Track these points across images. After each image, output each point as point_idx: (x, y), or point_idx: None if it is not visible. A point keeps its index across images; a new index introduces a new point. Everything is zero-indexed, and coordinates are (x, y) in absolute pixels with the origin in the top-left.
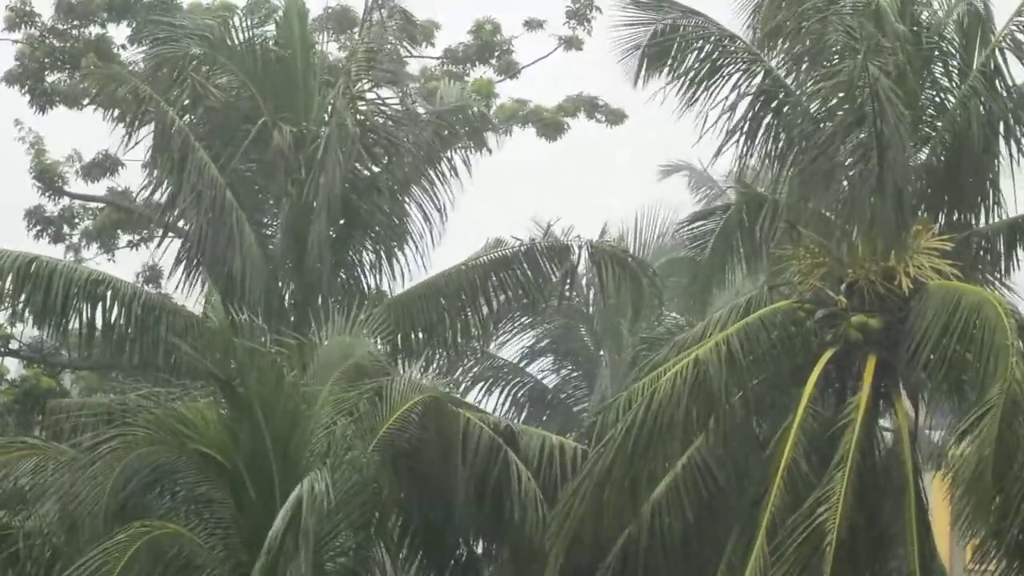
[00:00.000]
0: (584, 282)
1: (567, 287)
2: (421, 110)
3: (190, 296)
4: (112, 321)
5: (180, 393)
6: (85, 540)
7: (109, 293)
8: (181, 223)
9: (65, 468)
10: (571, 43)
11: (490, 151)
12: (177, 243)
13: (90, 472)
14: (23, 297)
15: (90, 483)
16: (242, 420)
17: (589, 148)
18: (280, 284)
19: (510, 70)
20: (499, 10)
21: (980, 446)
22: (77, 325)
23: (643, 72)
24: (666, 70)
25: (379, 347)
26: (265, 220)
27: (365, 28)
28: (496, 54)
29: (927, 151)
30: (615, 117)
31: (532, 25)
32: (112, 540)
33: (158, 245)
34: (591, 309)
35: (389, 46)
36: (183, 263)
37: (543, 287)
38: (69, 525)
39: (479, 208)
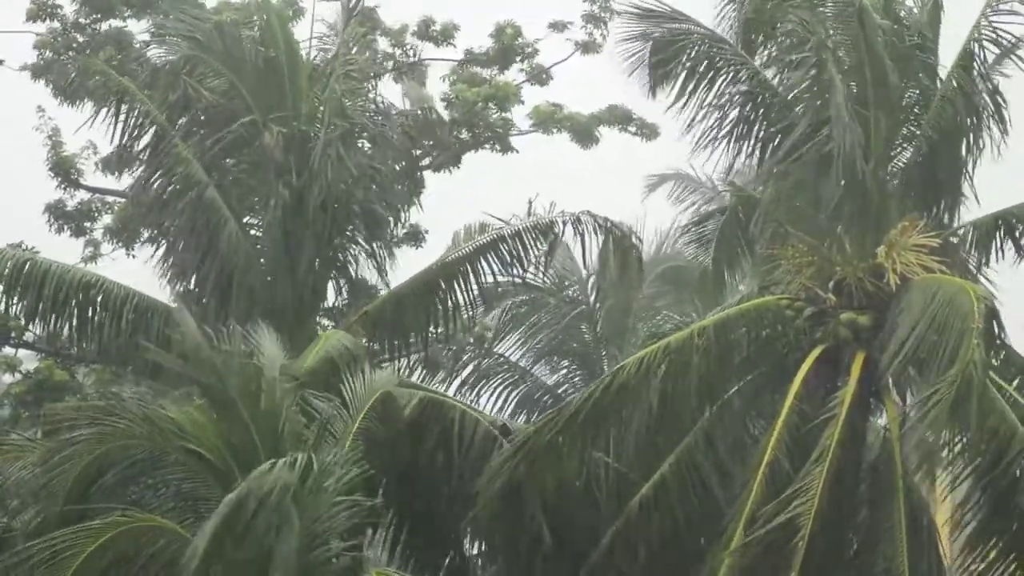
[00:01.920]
0: (589, 285)
1: (551, 260)
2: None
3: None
4: (104, 323)
5: (173, 393)
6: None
7: (100, 297)
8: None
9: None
10: (588, 47)
11: (516, 151)
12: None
13: (58, 459)
14: (15, 298)
15: (56, 471)
16: (230, 421)
17: (616, 152)
18: (273, 284)
19: (539, 75)
20: (517, 11)
21: (931, 424)
22: (69, 327)
23: (654, 84)
24: (669, 78)
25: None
26: (256, 221)
27: (350, 30)
28: (519, 58)
29: (912, 149)
30: (649, 132)
31: (558, 27)
32: (84, 524)
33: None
34: (595, 308)
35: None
36: (167, 260)
37: (532, 265)
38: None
39: (500, 206)
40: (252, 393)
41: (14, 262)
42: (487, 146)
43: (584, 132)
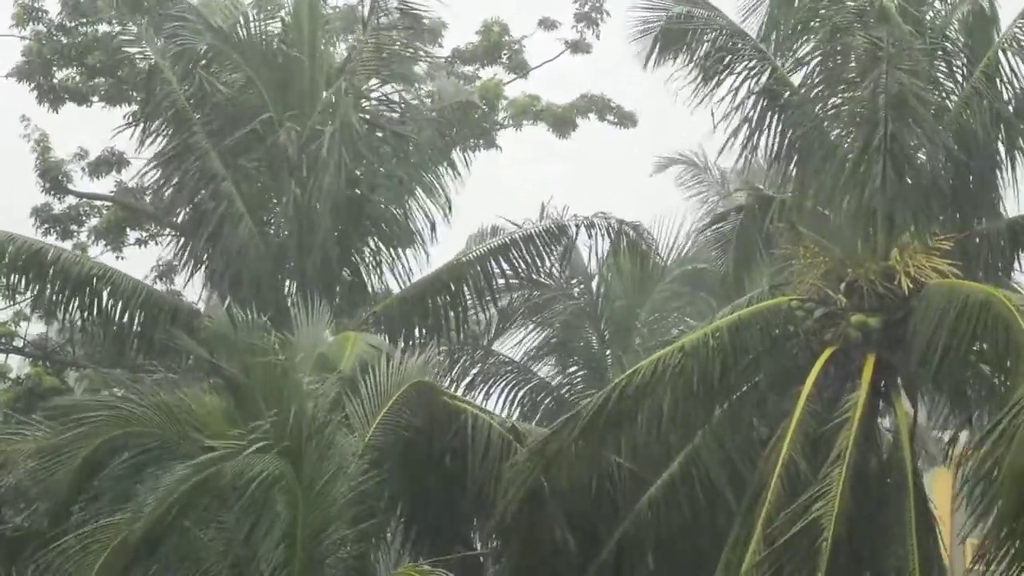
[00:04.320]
0: (594, 285)
1: (566, 264)
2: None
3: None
4: (111, 316)
5: (182, 385)
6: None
7: (108, 288)
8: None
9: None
10: (578, 47)
11: (499, 148)
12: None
13: (68, 438)
14: (23, 286)
15: (65, 453)
16: (245, 414)
17: (604, 148)
18: (283, 281)
19: (520, 69)
20: (507, 9)
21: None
22: (77, 318)
23: (655, 55)
24: (679, 58)
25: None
26: (269, 218)
27: (370, 27)
28: (505, 55)
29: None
30: (626, 120)
31: (547, 25)
32: (105, 521)
33: (156, 240)
34: (598, 307)
35: (397, 45)
36: (182, 256)
37: (543, 269)
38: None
39: (488, 204)
40: (273, 389)
41: (24, 251)
42: (470, 143)
43: (562, 121)
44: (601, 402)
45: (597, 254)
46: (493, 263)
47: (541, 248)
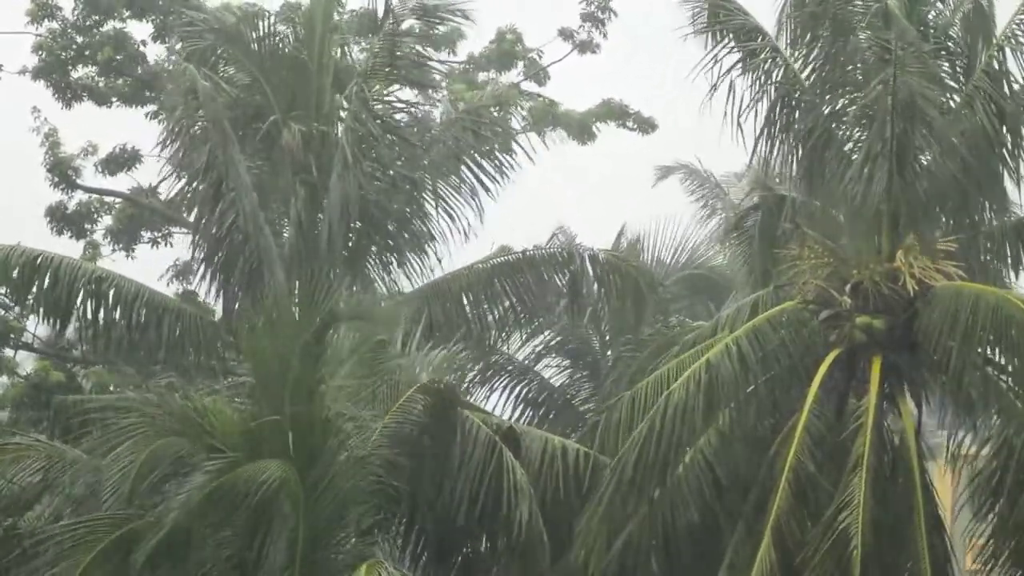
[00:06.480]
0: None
1: (572, 296)
2: (440, 110)
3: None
4: (115, 319)
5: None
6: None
7: (112, 292)
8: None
9: (74, 466)
10: (585, 47)
11: (514, 153)
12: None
13: (113, 456)
14: (30, 292)
15: (114, 468)
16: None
17: (619, 151)
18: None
19: (537, 73)
20: (516, 11)
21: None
22: (80, 322)
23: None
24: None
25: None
26: (273, 218)
27: (384, 31)
28: (520, 64)
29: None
30: (646, 125)
31: (566, 35)
32: (100, 515)
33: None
34: (601, 308)
35: (410, 49)
36: (202, 261)
37: (546, 295)
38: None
39: (504, 208)
40: (302, 394)
41: (24, 258)
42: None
43: (581, 128)
44: (648, 430)
45: (602, 290)
46: (498, 281)
47: (545, 274)
